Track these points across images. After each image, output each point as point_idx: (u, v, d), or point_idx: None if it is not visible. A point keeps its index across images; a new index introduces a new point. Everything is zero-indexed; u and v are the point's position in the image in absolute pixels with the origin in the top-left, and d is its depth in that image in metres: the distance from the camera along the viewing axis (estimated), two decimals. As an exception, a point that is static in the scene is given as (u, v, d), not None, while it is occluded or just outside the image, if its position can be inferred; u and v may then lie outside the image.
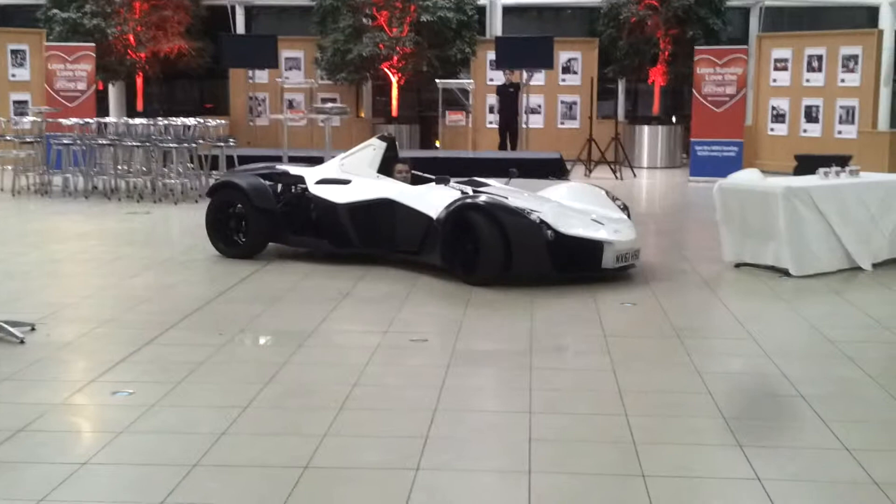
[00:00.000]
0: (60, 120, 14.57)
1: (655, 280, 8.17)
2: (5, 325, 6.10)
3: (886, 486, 4.01)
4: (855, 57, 17.13)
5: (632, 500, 3.92)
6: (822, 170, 8.93)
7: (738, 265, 8.67)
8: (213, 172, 13.88)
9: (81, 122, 14.06)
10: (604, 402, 5.09)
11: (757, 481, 4.06)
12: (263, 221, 8.87)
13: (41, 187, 14.09)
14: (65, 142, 13.81)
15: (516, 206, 7.83)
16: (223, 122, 15.00)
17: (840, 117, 17.23)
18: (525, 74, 18.38)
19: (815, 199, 8.32)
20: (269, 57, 18.93)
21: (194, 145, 13.42)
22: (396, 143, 9.52)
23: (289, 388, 5.26)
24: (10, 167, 14.55)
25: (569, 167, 16.68)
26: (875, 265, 8.63)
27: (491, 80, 19.51)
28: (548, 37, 18.63)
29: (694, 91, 17.04)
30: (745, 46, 18.04)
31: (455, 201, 7.97)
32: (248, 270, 8.46)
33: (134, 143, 13.51)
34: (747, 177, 9.04)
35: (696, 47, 17.43)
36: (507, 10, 20.97)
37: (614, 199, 8.72)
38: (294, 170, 9.31)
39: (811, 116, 17.62)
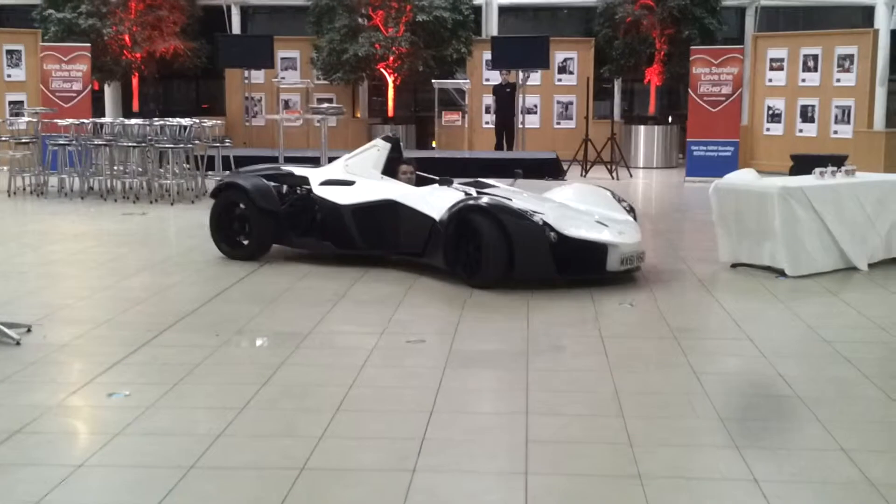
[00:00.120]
0: (56, 120, 14.57)
1: (652, 280, 8.17)
2: (1, 327, 6.09)
3: (882, 487, 4.01)
4: (850, 57, 17.15)
5: (628, 501, 3.92)
6: (818, 170, 8.94)
7: (734, 265, 8.68)
8: (210, 173, 13.89)
9: (77, 122, 14.05)
10: (601, 403, 5.09)
11: (754, 482, 4.06)
12: (267, 223, 8.83)
13: (37, 188, 14.08)
14: (60, 142, 13.80)
15: (519, 207, 7.77)
16: (219, 122, 15.00)
17: (836, 117, 17.24)
18: (521, 74, 18.38)
19: (811, 200, 8.33)
20: (265, 57, 18.93)
21: (190, 146, 13.41)
22: (401, 143, 9.49)
23: (285, 390, 5.26)
24: (5, 168, 14.53)
25: (565, 167, 16.69)
26: (871, 265, 8.64)
27: (487, 79, 19.52)
28: (544, 37, 18.63)
29: (690, 91, 17.05)
30: (740, 46, 18.08)
31: (457, 203, 7.92)
32: (245, 271, 8.45)
33: (130, 144, 13.49)
34: (743, 177, 9.04)
35: (692, 47, 17.44)
36: (503, 10, 20.98)
37: (620, 200, 8.65)
38: (299, 171, 9.28)
39: (807, 116, 17.63)
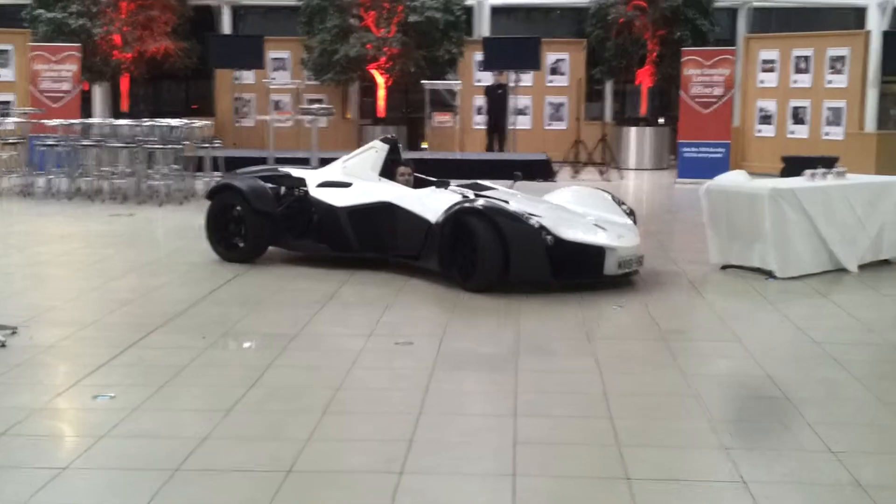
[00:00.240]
0: (44, 121, 14.49)
1: (642, 282, 8.15)
2: (-13, 328, 6.06)
3: (871, 489, 4.00)
4: (842, 58, 17.16)
5: (616, 503, 3.91)
6: (808, 171, 8.93)
7: (724, 267, 8.67)
8: (199, 174, 13.84)
9: (66, 122, 13.98)
10: (589, 404, 5.07)
11: (742, 484, 4.05)
12: (263, 225, 8.76)
13: (24, 188, 14.00)
14: (49, 143, 13.73)
15: (515, 210, 7.69)
16: (209, 123, 14.95)
17: (827, 119, 17.25)
18: (513, 75, 18.36)
19: (802, 201, 8.32)
20: (256, 57, 18.86)
21: (179, 146, 13.36)
22: (399, 145, 9.44)
23: (272, 392, 5.23)
24: (-7, 168, 14.47)
25: (556, 169, 16.69)
26: (861, 267, 8.63)
27: (478, 80, 19.49)
28: (535, 38, 18.61)
29: (681, 92, 17.05)
30: (732, 48, 18.08)
31: (453, 205, 7.84)
32: (233, 273, 8.41)
33: (118, 145, 13.44)
34: (734, 178, 9.04)
35: (684, 48, 17.44)
36: (495, 11, 20.95)
37: (620, 203, 8.58)
38: (296, 172, 9.22)
39: (798, 118, 17.64)
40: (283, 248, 9.01)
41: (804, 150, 16.00)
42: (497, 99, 18.41)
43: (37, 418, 4.81)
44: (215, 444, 4.45)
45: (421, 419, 4.78)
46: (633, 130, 19.21)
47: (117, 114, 19.01)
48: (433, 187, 8.47)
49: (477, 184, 8.69)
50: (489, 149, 18.46)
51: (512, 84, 18.34)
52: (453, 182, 8.53)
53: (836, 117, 17.13)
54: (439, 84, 18.68)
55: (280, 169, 9.47)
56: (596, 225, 7.92)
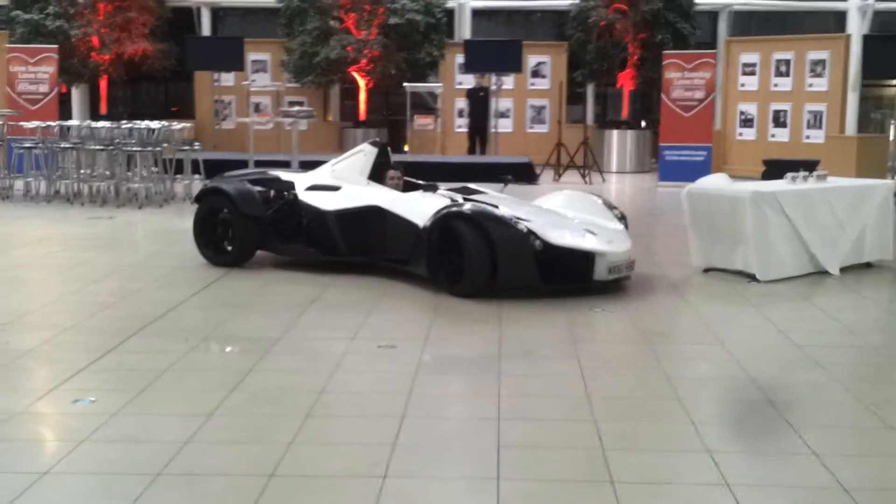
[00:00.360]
0: (22, 123, 14.37)
1: (625, 285, 8.14)
2: (-36, 332, 6.00)
3: (854, 491, 4.01)
4: (823, 62, 17.26)
5: (601, 507, 3.90)
6: (789, 175, 8.98)
7: (706, 270, 8.69)
8: (178, 177, 13.77)
9: (43, 125, 13.87)
10: (573, 407, 5.06)
11: (725, 486, 4.05)
12: (251, 228, 8.67)
13: (2, 192, 13.88)
14: (26, 145, 13.63)
15: (503, 214, 7.61)
16: (188, 125, 14.85)
17: (808, 122, 17.34)
18: (494, 78, 18.36)
19: (783, 204, 8.35)
20: (235, 59, 18.78)
21: (159, 149, 13.28)
22: (388, 148, 9.39)
23: (254, 396, 5.19)
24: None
25: (538, 172, 16.70)
26: (842, 270, 8.67)
27: (460, 83, 19.48)
28: (517, 40, 18.61)
29: (663, 95, 17.10)
30: (713, 51, 18.14)
31: (441, 209, 7.75)
32: (214, 276, 8.36)
33: (97, 147, 13.34)
34: (715, 182, 9.06)
35: (665, 51, 17.49)
36: (476, 14, 20.95)
37: (612, 207, 8.52)
38: (285, 176, 9.15)
39: (779, 121, 17.73)
40: (271, 252, 8.95)
41: (785, 154, 16.09)
42: (479, 102, 18.40)
43: (16, 423, 4.76)
44: (197, 448, 4.42)
45: (404, 423, 4.76)
46: (614, 133, 19.25)
47: (96, 116, 18.89)
48: (421, 191, 8.44)
49: (466, 187, 8.60)
50: (471, 152, 18.45)
51: (493, 87, 18.35)
52: (442, 185, 8.50)
53: (816, 121, 17.23)
54: (421, 86, 18.67)
55: (269, 172, 9.39)
56: (586, 230, 7.84)
